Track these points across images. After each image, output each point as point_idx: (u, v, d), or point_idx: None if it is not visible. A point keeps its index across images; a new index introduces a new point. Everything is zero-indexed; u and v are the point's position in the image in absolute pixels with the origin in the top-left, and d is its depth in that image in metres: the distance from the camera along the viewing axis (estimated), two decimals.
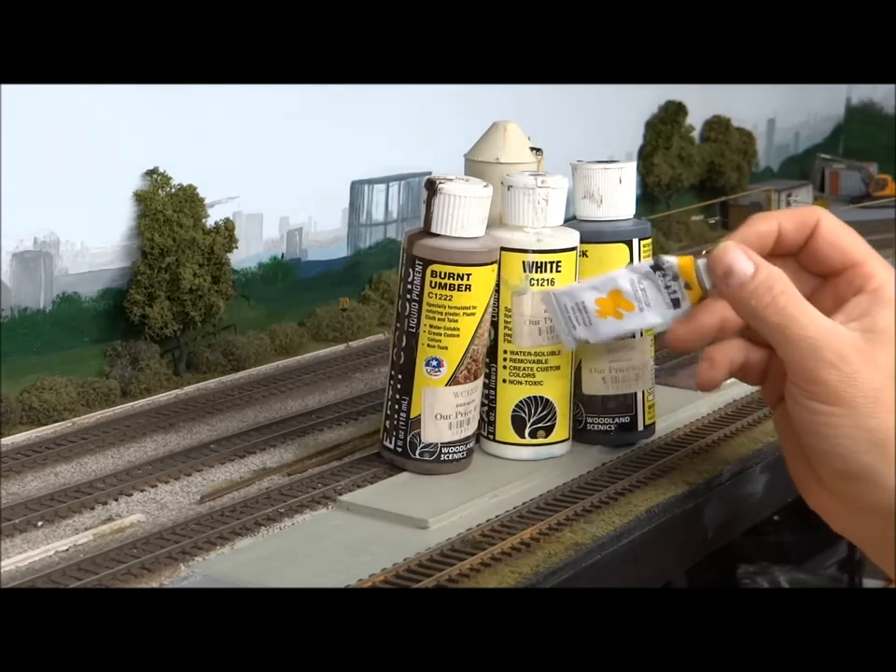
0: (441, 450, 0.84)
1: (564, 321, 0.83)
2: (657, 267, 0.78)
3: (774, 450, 0.93)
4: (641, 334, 0.88)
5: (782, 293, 0.73)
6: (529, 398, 0.87)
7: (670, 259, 0.78)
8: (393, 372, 0.85)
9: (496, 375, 0.87)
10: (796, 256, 0.78)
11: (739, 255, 0.74)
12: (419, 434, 0.84)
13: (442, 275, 0.82)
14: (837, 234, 0.77)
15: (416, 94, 1.25)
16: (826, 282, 0.78)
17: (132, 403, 0.98)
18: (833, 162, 2.00)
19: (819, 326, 0.72)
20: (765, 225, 0.78)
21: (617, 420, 0.91)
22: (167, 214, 1.01)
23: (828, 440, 0.72)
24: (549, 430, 0.88)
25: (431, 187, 0.82)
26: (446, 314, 0.82)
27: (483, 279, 0.83)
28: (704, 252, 0.79)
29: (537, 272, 0.85)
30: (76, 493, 0.81)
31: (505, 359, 0.87)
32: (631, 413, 0.91)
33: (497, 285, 0.85)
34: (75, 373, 0.98)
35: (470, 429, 0.85)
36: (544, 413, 0.87)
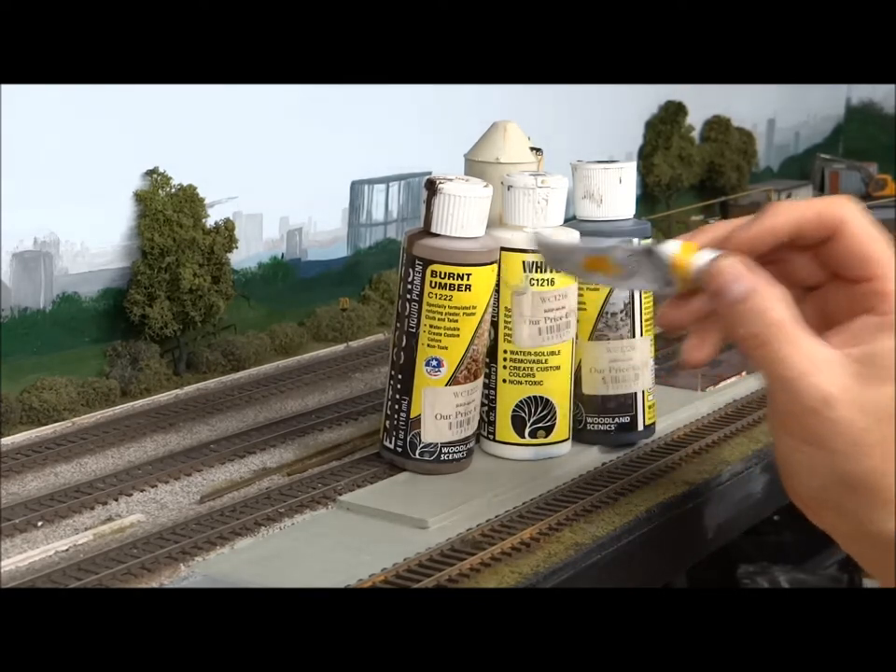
0: (440, 450, 0.84)
1: (552, 256, 0.77)
2: (650, 252, 0.71)
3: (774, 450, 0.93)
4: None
5: (771, 325, 0.67)
6: (529, 398, 0.87)
7: (666, 251, 0.71)
8: (393, 372, 0.85)
9: (496, 375, 0.87)
10: (814, 248, 0.72)
11: (736, 274, 0.68)
12: (419, 434, 0.84)
13: (442, 275, 0.82)
14: (861, 241, 0.70)
15: (416, 94, 1.25)
16: (842, 279, 0.72)
17: (132, 403, 0.98)
18: (832, 162, 2.00)
19: (807, 362, 0.67)
20: (783, 220, 0.71)
21: (617, 420, 0.91)
22: (167, 214, 1.01)
23: (801, 473, 0.69)
24: (549, 430, 0.88)
25: (431, 187, 0.82)
26: (446, 314, 0.82)
27: (483, 279, 0.83)
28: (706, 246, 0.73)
29: (537, 272, 0.85)
30: (76, 493, 0.81)
31: (505, 359, 0.87)
32: (631, 413, 0.91)
33: (497, 285, 0.85)
34: (75, 373, 0.98)
35: (470, 429, 0.85)
36: (544, 413, 0.87)
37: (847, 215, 0.70)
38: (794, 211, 0.71)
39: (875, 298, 0.70)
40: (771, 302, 0.67)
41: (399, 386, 0.84)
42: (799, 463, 0.69)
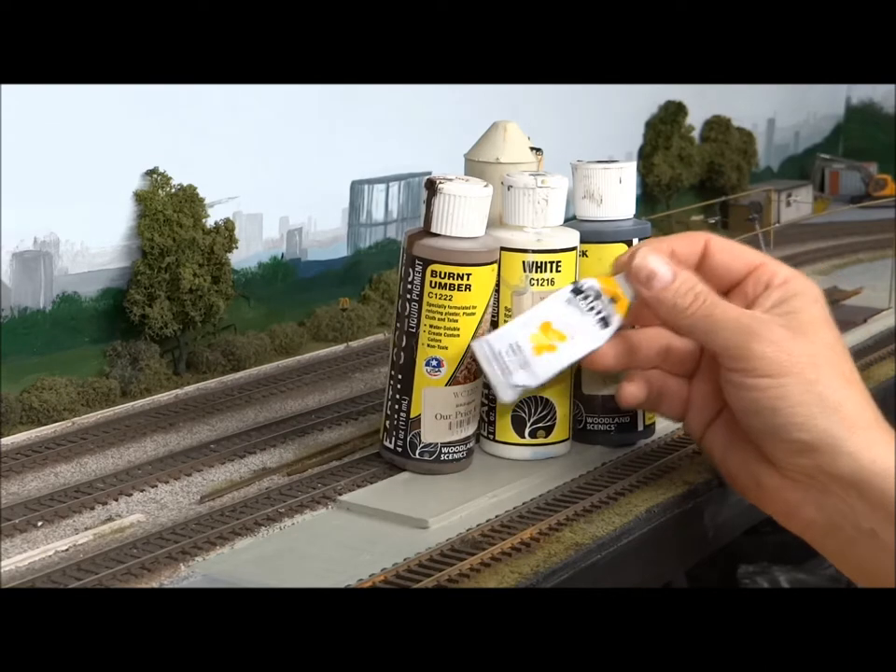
0: (440, 450, 0.84)
1: (500, 369, 0.81)
2: (577, 291, 0.80)
3: None
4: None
5: (703, 290, 0.77)
6: (529, 398, 0.87)
7: (589, 281, 0.81)
8: (393, 372, 0.85)
9: None
10: (695, 270, 0.80)
11: (658, 261, 0.78)
12: (419, 434, 0.84)
13: (442, 275, 0.82)
14: (730, 247, 0.81)
15: (416, 94, 1.25)
16: (729, 294, 0.80)
17: (132, 403, 0.98)
18: (832, 162, 2.00)
19: (743, 311, 0.76)
20: (656, 245, 0.80)
21: (617, 420, 0.91)
22: (167, 214, 1.01)
23: (780, 412, 0.74)
24: (549, 430, 0.88)
25: (431, 187, 0.82)
26: (446, 313, 0.82)
27: (483, 279, 0.83)
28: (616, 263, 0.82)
29: (537, 271, 0.85)
30: (76, 493, 0.81)
31: None
32: (631, 413, 0.91)
33: (497, 285, 0.85)
34: (75, 373, 0.98)
35: (470, 429, 0.85)
36: (544, 413, 0.87)
37: (709, 235, 0.82)
38: (666, 240, 0.82)
39: (767, 276, 0.79)
40: (694, 278, 0.78)
41: (399, 386, 0.84)
42: (776, 400, 0.74)
